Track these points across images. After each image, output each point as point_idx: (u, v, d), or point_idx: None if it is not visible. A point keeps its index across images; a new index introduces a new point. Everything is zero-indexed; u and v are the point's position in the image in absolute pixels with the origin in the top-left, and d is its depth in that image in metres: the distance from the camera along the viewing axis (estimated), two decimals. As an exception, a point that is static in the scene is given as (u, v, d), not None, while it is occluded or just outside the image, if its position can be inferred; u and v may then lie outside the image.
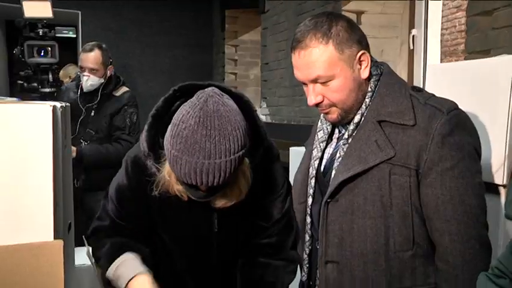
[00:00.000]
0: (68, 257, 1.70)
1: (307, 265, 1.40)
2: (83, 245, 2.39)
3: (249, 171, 1.26)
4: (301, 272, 1.42)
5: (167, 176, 1.23)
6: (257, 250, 1.39)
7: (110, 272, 1.33)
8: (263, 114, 4.79)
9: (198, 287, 1.45)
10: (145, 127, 1.26)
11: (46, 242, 1.07)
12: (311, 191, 1.38)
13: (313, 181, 1.38)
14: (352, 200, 1.26)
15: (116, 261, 1.34)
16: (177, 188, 1.25)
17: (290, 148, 2.49)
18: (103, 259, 1.39)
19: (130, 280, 1.28)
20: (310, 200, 1.38)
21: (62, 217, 1.41)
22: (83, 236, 2.54)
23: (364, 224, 1.24)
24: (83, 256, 2.30)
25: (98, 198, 2.76)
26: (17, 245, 1.05)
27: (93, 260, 2.32)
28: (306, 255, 1.40)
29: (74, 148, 2.75)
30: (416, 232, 1.24)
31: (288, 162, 2.50)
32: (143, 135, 1.26)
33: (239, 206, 1.31)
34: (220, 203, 1.27)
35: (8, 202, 1.12)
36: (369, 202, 1.24)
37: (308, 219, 1.39)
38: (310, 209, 1.38)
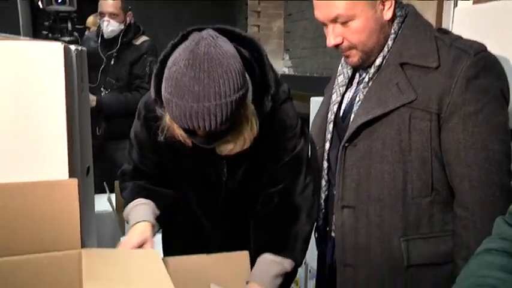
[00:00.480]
0: (88, 201, 1.73)
1: (323, 210, 1.39)
2: (104, 192, 2.43)
3: (255, 119, 1.23)
4: (317, 218, 1.41)
5: (168, 121, 1.23)
6: (267, 201, 1.37)
7: (124, 213, 1.39)
8: (286, 67, 4.72)
9: (213, 229, 1.47)
10: (154, 72, 1.25)
11: (61, 180, 1.07)
12: (329, 136, 1.35)
13: (331, 126, 1.35)
14: (370, 145, 1.23)
15: (130, 204, 1.39)
16: (180, 133, 1.24)
17: (311, 98, 2.44)
18: (125, 201, 1.45)
19: (134, 225, 1.33)
20: (327, 145, 1.35)
21: (79, 159, 1.42)
22: (104, 183, 2.59)
23: (382, 169, 1.21)
24: (104, 202, 2.35)
25: (119, 146, 2.83)
26: (32, 182, 1.06)
27: (114, 206, 2.37)
28: (322, 201, 1.38)
29: (94, 97, 2.77)
30: (436, 178, 1.20)
31: (309, 114, 2.47)
32: (152, 81, 1.26)
33: (249, 154, 1.30)
34: (224, 150, 1.25)
35: (21, 141, 1.12)
36: (387, 147, 1.21)
37: (325, 165, 1.37)
38: (328, 154, 1.36)
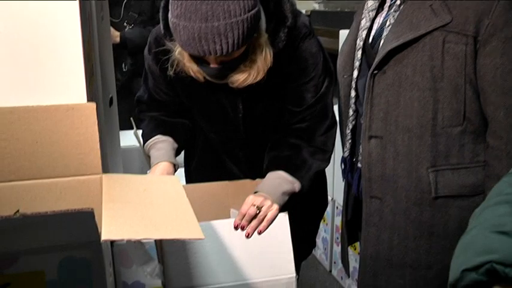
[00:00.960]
0: (112, 132, 1.73)
1: (350, 141, 1.35)
2: (132, 128, 2.44)
3: (269, 49, 1.18)
4: (343, 148, 1.38)
5: (178, 55, 1.19)
6: (287, 133, 1.34)
7: (145, 149, 1.41)
8: (316, 2, 4.55)
9: (232, 162, 1.46)
10: (161, 4, 1.20)
11: (79, 103, 1.06)
12: (357, 64, 1.29)
13: (359, 53, 1.28)
14: (400, 72, 1.16)
15: (149, 141, 1.39)
16: (191, 67, 1.20)
17: (340, 31, 2.34)
18: (142, 134, 1.46)
19: (155, 165, 1.33)
20: (355, 73, 1.29)
21: (100, 87, 1.40)
22: (131, 119, 2.60)
23: (412, 96, 1.15)
24: (131, 138, 2.36)
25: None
26: (52, 106, 1.05)
27: (141, 141, 2.38)
28: (349, 131, 1.34)
29: (117, 33, 2.72)
30: (468, 106, 1.14)
31: (337, 49, 2.37)
32: (160, 12, 1.21)
33: (265, 90, 1.26)
34: (236, 80, 1.20)
35: (39, 67, 1.10)
36: (418, 73, 1.14)
37: (353, 93, 1.31)
38: (356, 83, 1.30)
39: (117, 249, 1.25)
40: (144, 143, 1.43)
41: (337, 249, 2.73)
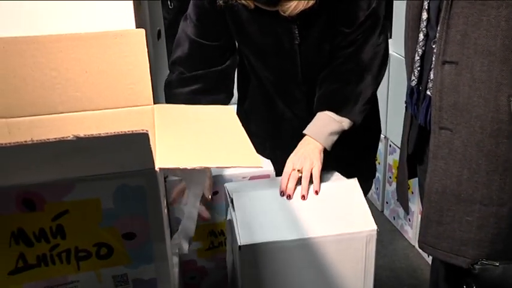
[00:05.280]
0: (161, 66, 1.68)
1: (419, 68, 1.23)
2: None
3: None
4: (410, 77, 1.26)
5: None
6: (337, 60, 1.31)
7: None
8: None
9: (286, 104, 1.42)
10: None
11: (128, 29, 1.00)
12: (430, -19, 1.15)
13: (433, -32, 1.14)
14: None
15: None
16: None
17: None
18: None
19: None
20: (429, -8, 1.16)
21: (147, 19, 1.35)
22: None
23: (498, 15, 1.01)
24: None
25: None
26: (99, 33, 1.00)
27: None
28: (418, 57, 1.22)
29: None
30: None
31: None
32: None
33: (319, 16, 1.21)
34: (288, 8, 1.15)
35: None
36: None
37: (424, 16, 1.18)
38: (428, 3, 1.17)
39: (170, 185, 1.22)
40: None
41: (390, 188, 2.65)
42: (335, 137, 1.28)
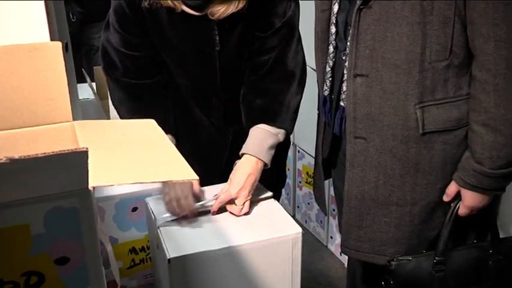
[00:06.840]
0: (71, 79, 1.60)
1: (330, 79, 1.29)
2: (84, 81, 2.30)
3: None
4: (322, 87, 1.33)
5: None
6: (258, 69, 1.31)
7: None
8: None
9: (202, 112, 1.41)
10: None
11: (44, 42, 0.94)
12: (338, -3, 1.22)
13: (340, -14, 1.22)
14: (388, 5, 1.10)
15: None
16: None
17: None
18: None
19: None
20: (336, 8, 1.23)
21: (56, 31, 1.28)
22: (83, 70, 2.44)
23: (400, 32, 1.11)
24: (85, 91, 2.24)
25: (97, 29, 2.64)
26: (12, 46, 0.93)
27: (95, 91, 2.24)
28: (329, 68, 1.28)
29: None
30: (456, 39, 1.11)
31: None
32: None
33: (240, 20, 1.22)
34: (217, 11, 1.16)
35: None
36: (408, 6, 1.09)
37: (333, 29, 1.25)
38: (336, 18, 1.24)
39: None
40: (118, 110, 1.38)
41: (300, 193, 2.74)
42: (273, 151, 1.28)
